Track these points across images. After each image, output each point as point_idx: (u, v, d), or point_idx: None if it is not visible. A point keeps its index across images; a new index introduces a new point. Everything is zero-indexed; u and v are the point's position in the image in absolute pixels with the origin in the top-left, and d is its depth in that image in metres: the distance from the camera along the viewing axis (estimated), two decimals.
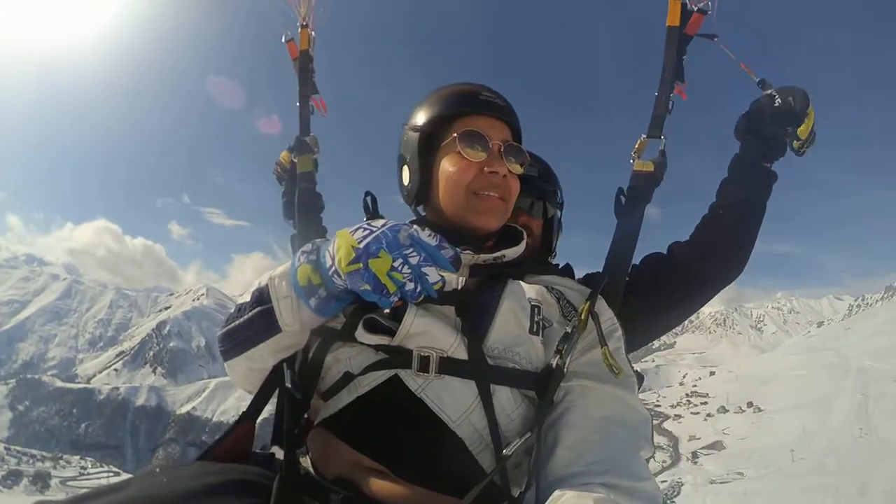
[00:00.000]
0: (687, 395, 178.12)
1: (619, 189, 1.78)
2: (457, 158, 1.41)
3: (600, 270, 1.80)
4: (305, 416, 1.44)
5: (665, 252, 1.89)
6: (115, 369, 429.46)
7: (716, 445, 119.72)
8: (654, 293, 1.79)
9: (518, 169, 1.47)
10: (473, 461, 1.20)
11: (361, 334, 1.23)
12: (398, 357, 1.23)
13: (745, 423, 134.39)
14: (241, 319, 1.31)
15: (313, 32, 2.12)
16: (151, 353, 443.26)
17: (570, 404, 1.24)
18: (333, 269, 1.16)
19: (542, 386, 1.25)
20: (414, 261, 1.11)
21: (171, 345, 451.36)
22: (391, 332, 1.24)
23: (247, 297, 1.34)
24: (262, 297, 1.29)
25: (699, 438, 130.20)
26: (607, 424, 1.20)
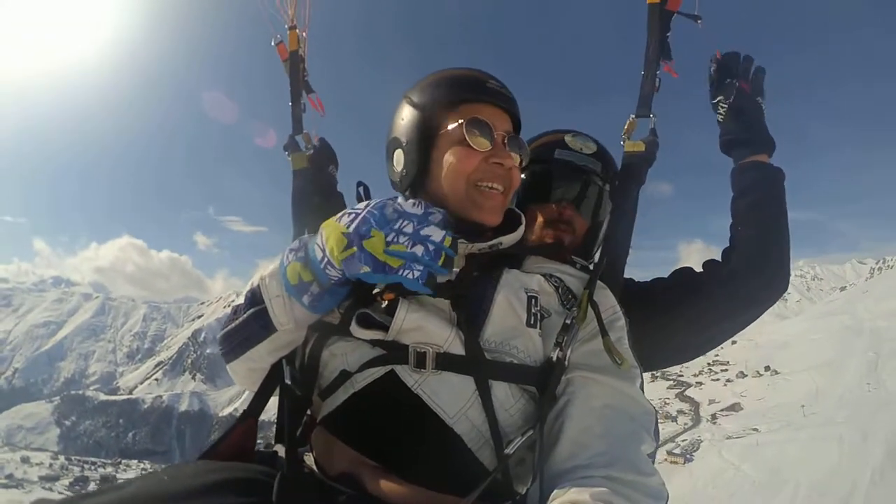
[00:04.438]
0: (708, 364, 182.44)
1: (612, 172, 1.75)
2: (460, 147, 1.34)
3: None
4: (308, 413, 1.43)
5: (697, 269, 1.83)
6: (156, 379, 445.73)
7: (734, 407, 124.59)
8: (678, 311, 1.72)
9: (519, 161, 1.41)
10: (473, 458, 1.18)
11: (355, 329, 1.21)
12: (394, 353, 1.21)
13: (762, 386, 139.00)
14: (238, 321, 1.31)
15: (304, 34, 2.09)
16: (189, 361, 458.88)
17: (571, 396, 1.21)
18: (326, 260, 1.14)
19: (543, 381, 1.22)
20: (409, 229, 1.10)
21: (207, 351, 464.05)
22: (385, 327, 1.21)
23: (241, 299, 1.33)
24: (255, 297, 1.28)
25: (718, 402, 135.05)
26: (610, 417, 1.17)
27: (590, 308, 1.33)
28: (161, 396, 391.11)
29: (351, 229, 1.11)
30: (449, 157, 1.34)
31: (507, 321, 1.26)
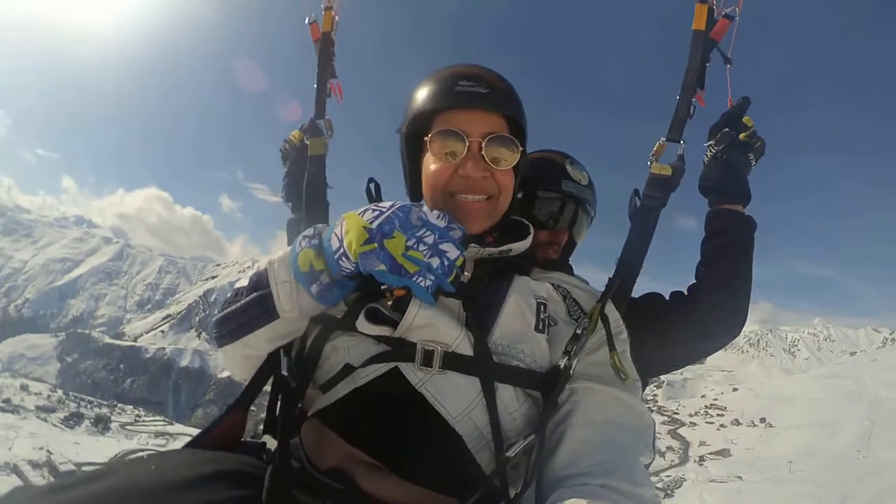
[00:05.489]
0: (706, 406, 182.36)
1: (634, 191, 1.75)
2: (434, 159, 1.34)
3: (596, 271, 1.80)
4: (299, 405, 1.40)
5: (665, 296, 1.86)
6: (162, 331, 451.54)
7: (723, 452, 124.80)
8: (646, 333, 1.66)
9: (505, 163, 1.34)
10: (472, 459, 1.18)
11: (363, 324, 1.20)
12: (401, 349, 1.20)
13: (754, 436, 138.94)
14: (238, 304, 1.27)
15: (337, 17, 2.04)
16: (197, 319, 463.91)
17: (574, 405, 1.21)
18: (342, 251, 1.13)
19: (548, 387, 1.23)
20: (429, 240, 1.11)
21: (216, 312, 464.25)
22: (393, 323, 1.20)
23: (244, 282, 1.30)
24: (260, 281, 1.25)
25: (709, 445, 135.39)
26: (610, 427, 1.18)
27: (599, 321, 1.34)
28: (164, 349, 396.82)
29: (374, 225, 1.10)
30: (428, 169, 1.36)
31: (516, 325, 1.28)
